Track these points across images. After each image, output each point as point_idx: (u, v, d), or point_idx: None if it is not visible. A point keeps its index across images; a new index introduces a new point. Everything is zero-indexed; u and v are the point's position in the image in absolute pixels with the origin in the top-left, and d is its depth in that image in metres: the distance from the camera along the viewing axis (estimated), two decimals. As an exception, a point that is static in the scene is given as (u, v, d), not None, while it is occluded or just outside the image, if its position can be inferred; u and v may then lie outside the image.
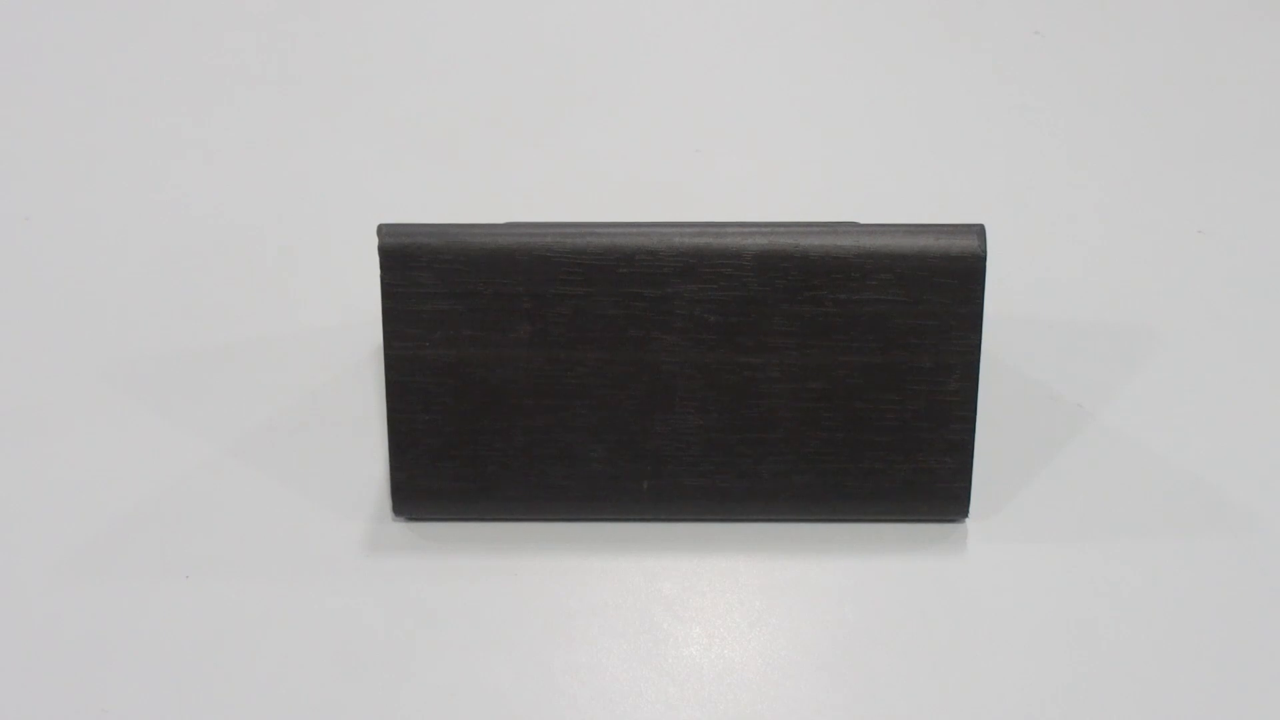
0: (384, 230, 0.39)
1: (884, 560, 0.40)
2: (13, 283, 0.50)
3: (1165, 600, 0.39)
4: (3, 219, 0.54)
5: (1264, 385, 0.46)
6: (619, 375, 0.39)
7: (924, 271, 0.38)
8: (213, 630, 0.38)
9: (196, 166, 0.56)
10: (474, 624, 0.38)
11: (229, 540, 0.41)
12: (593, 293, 0.39)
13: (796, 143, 0.59)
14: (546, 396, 0.39)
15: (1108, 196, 0.56)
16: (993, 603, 0.39)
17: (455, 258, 0.38)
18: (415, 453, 0.40)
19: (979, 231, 0.39)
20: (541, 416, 0.39)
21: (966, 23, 0.66)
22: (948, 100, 0.61)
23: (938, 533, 0.41)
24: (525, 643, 0.38)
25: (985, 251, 0.38)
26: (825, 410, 0.39)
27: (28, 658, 0.37)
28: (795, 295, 0.39)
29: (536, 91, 0.61)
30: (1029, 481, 0.42)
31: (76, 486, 0.42)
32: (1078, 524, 0.41)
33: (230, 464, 0.43)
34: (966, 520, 0.41)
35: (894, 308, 0.39)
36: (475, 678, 0.37)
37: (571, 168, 0.57)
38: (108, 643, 0.38)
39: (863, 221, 0.40)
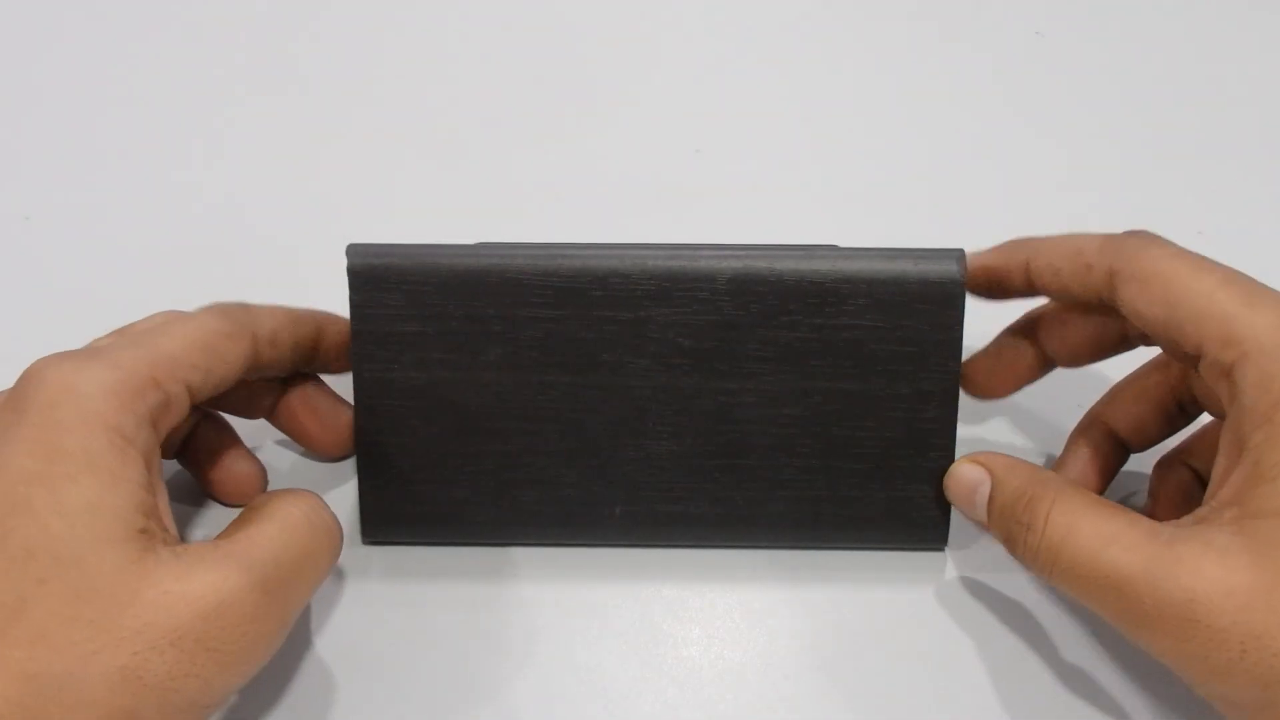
0: (353, 250, 0.38)
1: (860, 589, 0.40)
2: (12, 283, 0.51)
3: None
4: (3, 219, 0.53)
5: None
6: (591, 399, 0.39)
7: (902, 296, 0.38)
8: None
9: (195, 171, 0.56)
10: (465, 631, 0.38)
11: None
12: (564, 316, 0.38)
13: (793, 146, 0.58)
14: (517, 420, 0.39)
15: (1106, 197, 0.55)
16: (970, 633, 0.38)
17: (425, 279, 0.38)
18: (385, 477, 0.39)
19: (958, 256, 0.38)
20: (512, 441, 0.39)
21: (965, 23, 0.66)
22: (944, 101, 0.61)
23: (915, 561, 0.40)
24: (523, 643, 0.38)
25: (965, 277, 0.37)
26: (801, 437, 0.39)
27: None
28: (771, 320, 0.38)
29: (534, 92, 0.61)
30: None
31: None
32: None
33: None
34: (945, 549, 0.40)
35: (871, 333, 0.38)
36: (472, 679, 0.37)
37: (565, 169, 0.56)
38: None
39: (849, 231, 0.39)
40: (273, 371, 0.39)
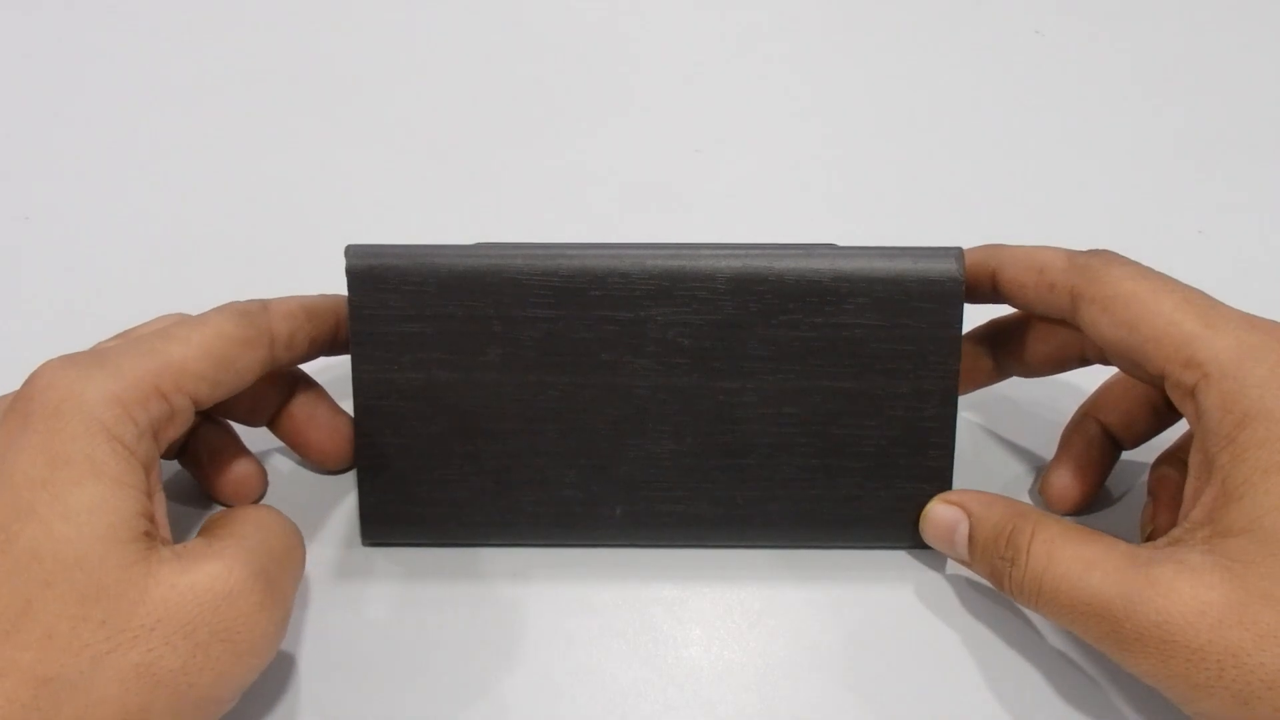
0: (351, 251, 0.38)
1: (860, 589, 0.39)
2: (12, 283, 0.51)
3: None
4: (3, 219, 0.53)
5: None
6: (591, 399, 0.39)
7: (901, 295, 0.37)
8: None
9: (194, 171, 0.56)
10: (465, 631, 0.38)
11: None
12: (564, 316, 0.38)
13: (793, 146, 0.58)
14: (517, 421, 0.39)
15: (1106, 197, 0.55)
16: (970, 632, 0.38)
17: (424, 280, 0.38)
18: (384, 478, 0.39)
19: (957, 255, 0.38)
20: (512, 441, 0.39)
21: (965, 23, 0.66)
22: (944, 101, 0.61)
23: (915, 561, 0.40)
24: (523, 644, 0.38)
25: (963, 275, 0.37)
26: (801, 436, 0.39)
27: None
28: (770, 319, 0.38)
29: (534, 92, 0.61)
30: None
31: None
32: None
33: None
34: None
35: (871, 332, 0.38)
36: (473, 679, 0.37)
37: (565, 169, 0.56)
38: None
39: (848, 231, 0.39)
40: (288, 367, 0.39)
